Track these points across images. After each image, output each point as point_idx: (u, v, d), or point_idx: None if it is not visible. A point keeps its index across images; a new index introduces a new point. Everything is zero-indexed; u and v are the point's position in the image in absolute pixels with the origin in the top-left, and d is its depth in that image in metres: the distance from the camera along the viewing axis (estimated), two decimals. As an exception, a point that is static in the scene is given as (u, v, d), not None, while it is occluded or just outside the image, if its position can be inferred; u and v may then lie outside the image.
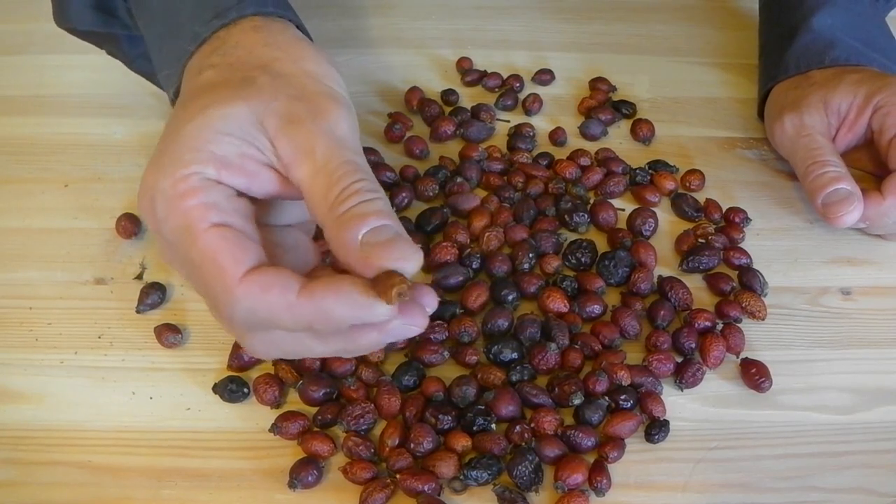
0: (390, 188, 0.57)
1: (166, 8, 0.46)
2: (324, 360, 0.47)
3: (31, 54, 0.68)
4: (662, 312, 0.50)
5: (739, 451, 0.46)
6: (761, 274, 0.53)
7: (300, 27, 0.45)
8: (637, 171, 0.59)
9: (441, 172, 0.58)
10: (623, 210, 0.57)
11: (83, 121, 0.62)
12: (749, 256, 0.54)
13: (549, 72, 0.67)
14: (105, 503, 0.43)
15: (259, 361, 0.48)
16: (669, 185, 0.58)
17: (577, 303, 0.51)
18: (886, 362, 0.50)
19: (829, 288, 0.54)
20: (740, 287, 0.53)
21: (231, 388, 0.47)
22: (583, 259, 0.53)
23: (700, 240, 0.55)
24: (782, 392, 0.48)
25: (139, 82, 0.61)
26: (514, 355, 0.48)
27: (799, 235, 0.57)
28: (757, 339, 0.51)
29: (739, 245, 0.55)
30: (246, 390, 0.47)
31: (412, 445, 0.44)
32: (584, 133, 0.62)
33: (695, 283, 0.53)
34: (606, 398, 0.46)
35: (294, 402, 0.47)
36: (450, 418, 0.45)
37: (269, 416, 0.46)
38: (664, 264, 0.54)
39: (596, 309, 0.51)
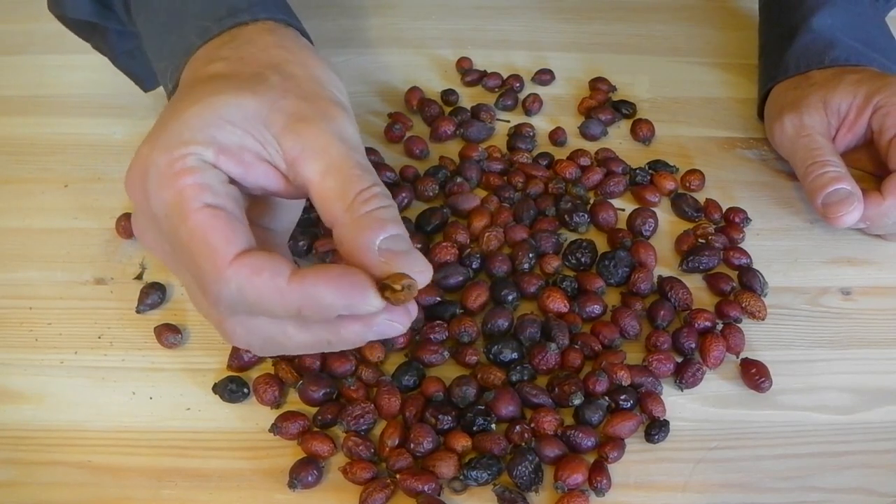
0: (390, 188, 0.56)
1: (171, 2, 0.46)
2: (324, 360, 0.47)
3: (31, 54, 0.68)
4: (662, 312, 0.50)
5: (739, 451, 0.46)
6: (761, 274, 0.53)
7: (306, 37, 0.46)
8: (637, 171, 0.59)
9: (441, 172, 0.58)
10: (623, 210, 0.57)
11: (83, 121, 0.62)
12: (749, 256, 0.54)
13: (549, 72, 0.67)
14: (105, 503, 0.43)
15: (259, 361, 0.48)
16: (669, 185, 0.58)
17: (577, 303, 0.51)
18: (886, 362, 0.50)
19: (829, 288, 0.54)
20: (740, 287, 0.53)
21: (231, 388, 0.47)
22: (583, 259, 0.53)
23: (700, 240, 0.55)
24: (782, 392, 0.48)
25: (139, 82, 0.61)
26: (514, 355, 0.48)
27: (799, 235, 0.57)
28: (757, 339, 0.51)
29: (739, 245, 0.55)
30: (246, 390, 0.47)
31: (412, 445, 0.44)
32: (584, 133, 0.62)
33: (695, 283, 0.53)
34: (606, 398, 0.46)
35: (294, 402, 0.47)
36: (450, 418, 0.45)
37: (269, 416, 0.46)
38: (664, 264, 0.54)
39: (596, 309, 0.51)
